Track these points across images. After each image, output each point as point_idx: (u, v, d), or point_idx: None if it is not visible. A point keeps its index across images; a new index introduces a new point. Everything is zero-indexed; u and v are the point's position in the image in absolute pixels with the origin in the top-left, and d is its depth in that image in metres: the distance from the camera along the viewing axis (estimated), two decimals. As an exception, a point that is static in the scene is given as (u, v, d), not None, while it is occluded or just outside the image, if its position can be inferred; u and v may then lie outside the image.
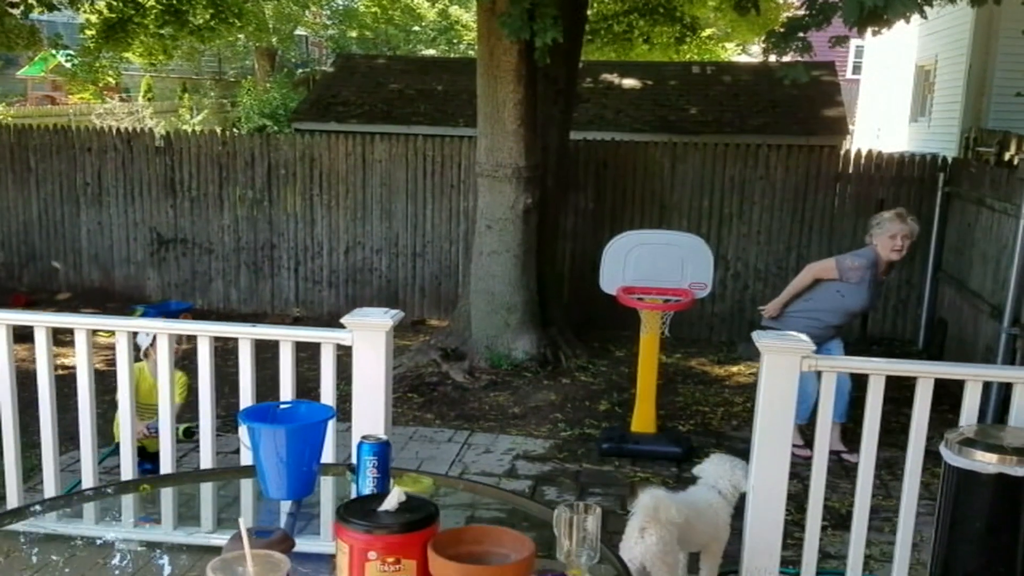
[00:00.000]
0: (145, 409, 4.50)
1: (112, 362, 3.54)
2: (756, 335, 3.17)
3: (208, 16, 11.92)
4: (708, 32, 18.85)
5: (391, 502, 1.80)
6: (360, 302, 9.13)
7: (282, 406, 2.35)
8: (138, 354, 4.67)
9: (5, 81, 20.89)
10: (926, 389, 3.02)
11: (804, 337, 3.13)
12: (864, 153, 8.51)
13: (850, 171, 8.45)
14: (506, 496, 2.57)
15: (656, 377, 5.85)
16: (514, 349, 7.35)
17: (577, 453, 5.77)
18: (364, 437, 2.21)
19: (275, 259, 9.41)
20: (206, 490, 2.71)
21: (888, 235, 5.12)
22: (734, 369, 7.80)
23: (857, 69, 24.39)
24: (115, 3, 11.18)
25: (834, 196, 8.48)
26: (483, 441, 5.95)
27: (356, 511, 1.81)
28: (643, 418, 5.85)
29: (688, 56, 17.54)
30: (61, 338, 3.77)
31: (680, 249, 5.79)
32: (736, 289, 8.80)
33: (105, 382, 3.81)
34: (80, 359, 3.43)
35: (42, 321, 3.46)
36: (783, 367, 3.09)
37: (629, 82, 11.51)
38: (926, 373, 3.04)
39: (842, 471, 5.41)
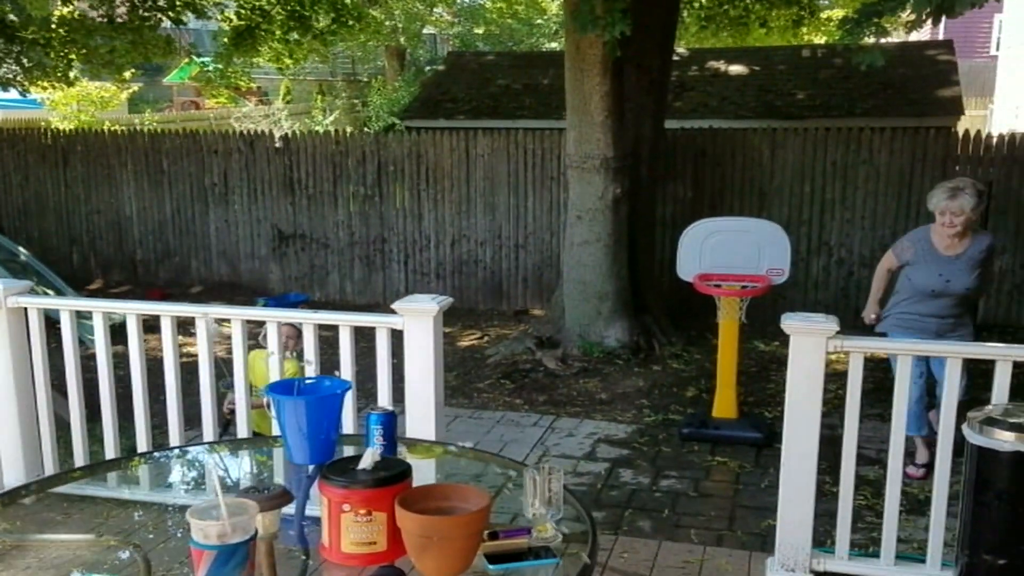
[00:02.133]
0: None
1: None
2: (784, 317, 3.23)
3: (329, 20, 12.48)
4: (832, 14, 18.30)
5: (367, 461, 2.02)
6: (466, 293, 9.46)
7: (307, 381, 2.60)
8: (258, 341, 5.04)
9: (155, 88, 22.38)
10: (955, 368, 3.03)
11: (831, 319, 3.19)
12: (973, 134, 8.20)
13: (958, 153, 8.16)
14: (504, 462, 2.74)
15: (736, 362, 5.88)
16: (606, 337, 7.48)
17: (658, 438, 5.87)
18: (371, 408, 2.45)
19: (386, 252, 9.83)
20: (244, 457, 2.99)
21: (937, 211, 4.80)
22: (832, 357, 7.66)
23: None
24: (243, 11, 11.87)
25: (942, 179, 8.17)
26: (567, 425, 6.12)
27: (337, 469, 2.04)
28: (724, 404, 5.89)
29: (809, 39, 17.10)
30: (187, 328, 4.04)
31: (757, 235, 5.81)
32: (840, 276, 8.64)
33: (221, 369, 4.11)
34: (201, 345, 3.72)
35: (167, 311, 3.77)
36: (808, 348, 3.16)
37: (736, 68, 11.39)
38: (954, 353, 3.04)
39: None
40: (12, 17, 10.18)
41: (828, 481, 4.41)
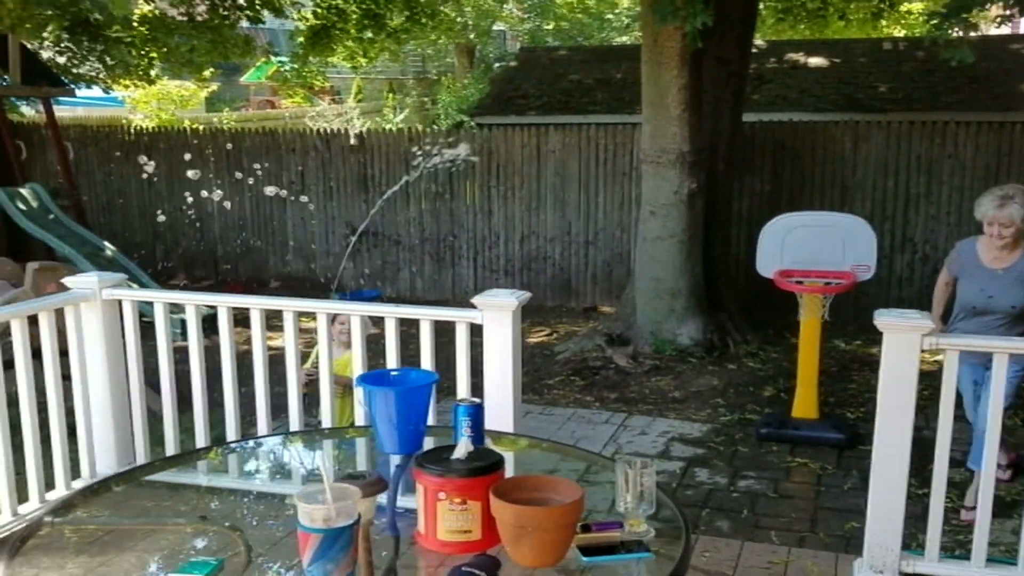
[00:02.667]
0: None
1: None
2: (877, 313, 3.16)
3: (403, 18, 12.60)
4: (912, 7, 17.83)
5: (460, 451, 2.03)
6: (535, 290, 9.43)
7: (393, 373, 2.62)
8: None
9: (231, 87, 22.87)
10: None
11: (925, 315, 3.10)
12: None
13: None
14: (586, 455, 2.72)
15: (817, 361, 5.75)
16: (679, 334, 7.40)
17: (735, 437, 5.78)
18: (460, 400, 2.45)
19: (456, 249, 9.88)
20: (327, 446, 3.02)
21: (985, 221, 4.44)
22: (916, 357, 7.48)
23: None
24: (320, 10, 12.06)
25: (1031, 174, 7.95)
26: (640, 423, 6.07)
27: (432, 459, 2.05)
28: (804, 403, 5.78)
29: (888, 32, 16.68)
30: (272, 323, 4.15)
31: (841, 230, 5.68)
32: (925, 273, 8.42)
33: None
34: (288, 337, 3.77)
35: (256, 304, 3.84)
36: (902, 345, 3.07)
37: (815, 61, 11.17)
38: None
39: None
40: (96, 16, 10.49)
41: (913, 483, 4.30)
